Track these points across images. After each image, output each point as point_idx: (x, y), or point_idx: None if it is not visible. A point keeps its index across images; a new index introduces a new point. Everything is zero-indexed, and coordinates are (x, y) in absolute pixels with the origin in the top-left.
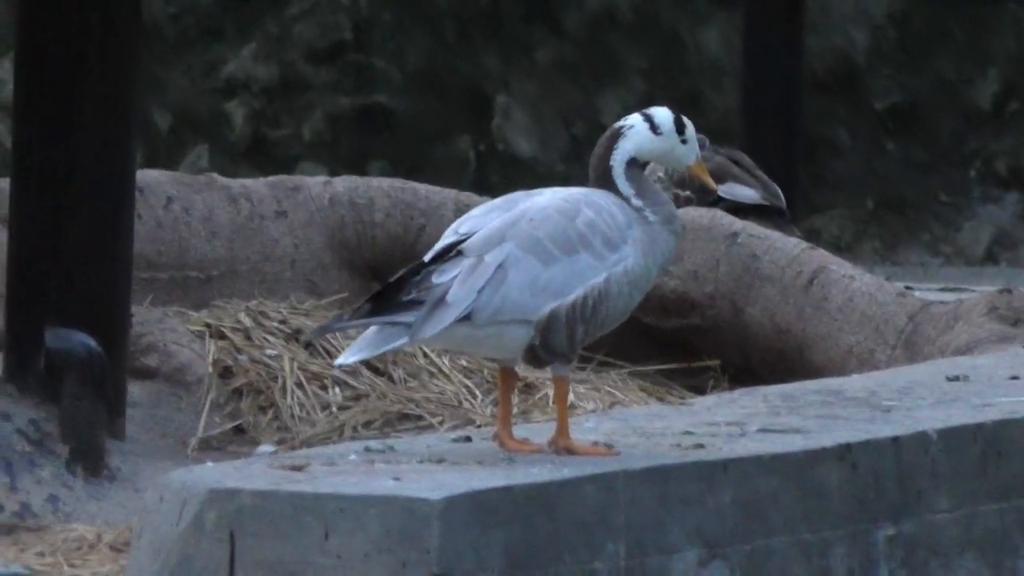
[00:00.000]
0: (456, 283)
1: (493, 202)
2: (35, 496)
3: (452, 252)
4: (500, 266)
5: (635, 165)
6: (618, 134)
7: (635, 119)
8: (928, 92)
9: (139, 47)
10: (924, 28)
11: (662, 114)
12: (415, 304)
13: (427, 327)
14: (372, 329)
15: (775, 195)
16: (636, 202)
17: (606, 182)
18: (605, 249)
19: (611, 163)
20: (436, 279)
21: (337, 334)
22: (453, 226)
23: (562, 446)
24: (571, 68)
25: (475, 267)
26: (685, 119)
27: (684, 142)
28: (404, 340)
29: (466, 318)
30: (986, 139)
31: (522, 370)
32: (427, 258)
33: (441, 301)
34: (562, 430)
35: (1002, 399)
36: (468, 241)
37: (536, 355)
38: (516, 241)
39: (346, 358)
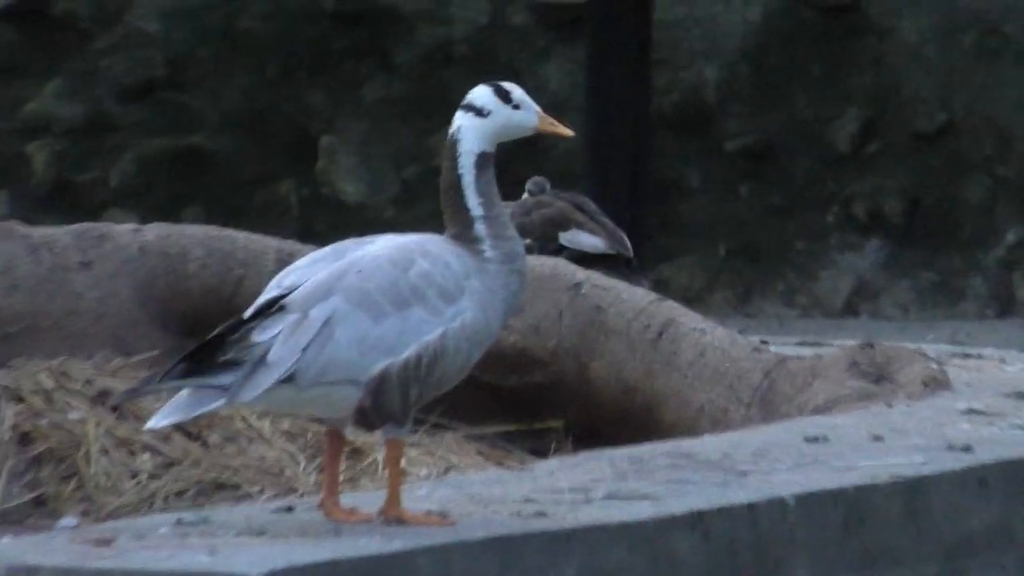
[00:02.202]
0: (278, 341)
1: (320, 252)
2: None
3: (274, 307)
4: (326, 322)
5: (486, 165)
6: (454, 142)
7: (458, 117)
8: (783, 132)
9: None
10: (779, 64)
11: (479, 94)
12: (233, 364)
13: (246, 390)
14: (186, 390)
15: (621, 242)
16: (480, 227)
17: (457, 197)
18: (441, 302)
19: (459, 172)
20: (257, 337)
21: (149, 395)
22: (276, 279)
23: (393, 516)
24: (402, 106)
25: (299, 323)
26: (506, 85)
27: (516, 107)
28: (221, 403)
29: (289, 379)
30: (844, 181)
31: (350, 433)
32: (247, 314)
33: (262, 361)
34: (393, 498)
35: (864, 462)
36: (292, 295)
37: (366, 418)
38: (344, 295)
39: (157, 422)
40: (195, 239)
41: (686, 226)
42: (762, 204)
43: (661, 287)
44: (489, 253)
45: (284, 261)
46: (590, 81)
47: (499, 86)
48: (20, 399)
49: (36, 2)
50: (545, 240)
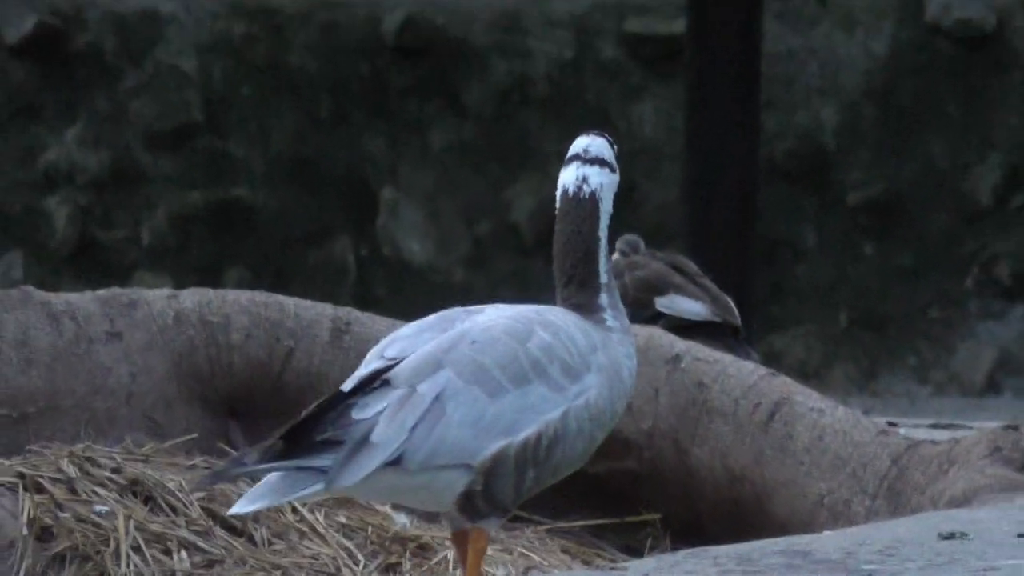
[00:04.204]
0: (383, 419)
1: (425, 320)
2: None
3: (377, 381)
4: (436, 398)
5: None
6: (595, 202)
7: (592, 173)
8: (914, 182)
9: None
10: (909, 103)
11: (605, 148)
12: (332, 444)
13: (347, 473)
14: (277, 473)
15: (726, 308)
16: (604, 296)
17: (589, 263)
18: (564, 378)
19: (599, 234)
20: (358, 414)
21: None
22: (376, 349)
23: None
24: (474, 153)
25: (406, 399)
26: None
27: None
28: (319, 487)
29: (395, 461)
30: (986, 239)
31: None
32: (346, 387)
33: (364, 441)
34: None
35: (1007, 561)
36: (397, 368)
37: (473, 504)
38: (456, 368)
39: (245, 506)
40: (238, 306)
41: (801, 291)
42: (890, 266)
43: (773, 361)
44: (611, 323)
45: (340, 331)
46: (689, 124)
47: (613, 142)
48: (39, 489)
49: (55, 35)
50: (639, 306)
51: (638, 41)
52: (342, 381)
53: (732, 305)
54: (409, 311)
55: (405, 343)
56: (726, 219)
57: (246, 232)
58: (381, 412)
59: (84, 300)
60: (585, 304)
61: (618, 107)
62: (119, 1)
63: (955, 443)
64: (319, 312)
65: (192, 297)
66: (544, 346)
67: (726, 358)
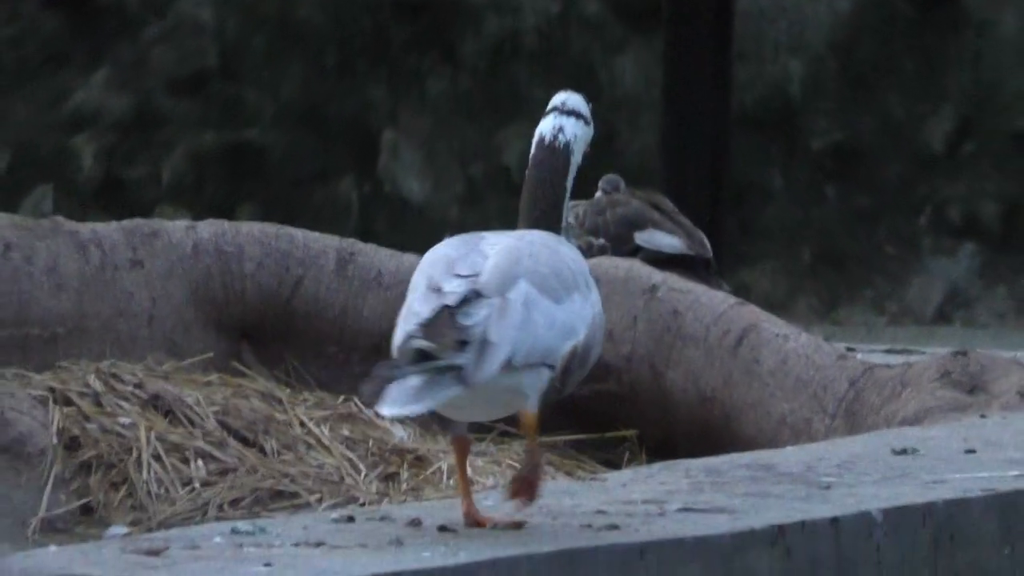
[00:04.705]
0: (492, 323)
1: (452, 243)
2: None
3: (469, 295)
4: (523, 305)
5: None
6: (568, 151)
7: (568, 124)
8: (873, 131)
9: None
10: (869, 59)
11: (581, 102)
12: (459, 344)
13: (481, 371)
14: (416, 379)
15: (701, 243)
16: (563, 235)
17: (556, 205)
18: (586, 288)
19: (567, 183)
20: (465, 320)
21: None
22: (437, 270)
23: (536, 467)
24: (468, 101)
25: (503, 307)
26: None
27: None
28: (458, 388)
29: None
30: (938, 183)
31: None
32: (450, 301)
33: (485, 341)
34: (532, 459)
35: (955, 475)
36: (482, 280)
37: (547, 396)
38: (528, 279)
39: (396, 410)
40: (251, 237)
41: (768, 230)
42: (850, 208)
43: (742, 293)
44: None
45: (345, 261)
46: (667, 76)
47: (586, 97)
48: (68, 402)
49: None
50: (619, 241)
51: None
52: (347, 306)
53: (705, 240)
54: (407, 244)
55: (467, 261)
56: (700, 163)
57: (257, 171)
58: (486, 318)
59: (109, 230)
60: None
61: (601, 60)
62: None
63: (908, 367)
64: (325, 244)
65: (208, 228)
66: (572, 260)
67: (699, 288)
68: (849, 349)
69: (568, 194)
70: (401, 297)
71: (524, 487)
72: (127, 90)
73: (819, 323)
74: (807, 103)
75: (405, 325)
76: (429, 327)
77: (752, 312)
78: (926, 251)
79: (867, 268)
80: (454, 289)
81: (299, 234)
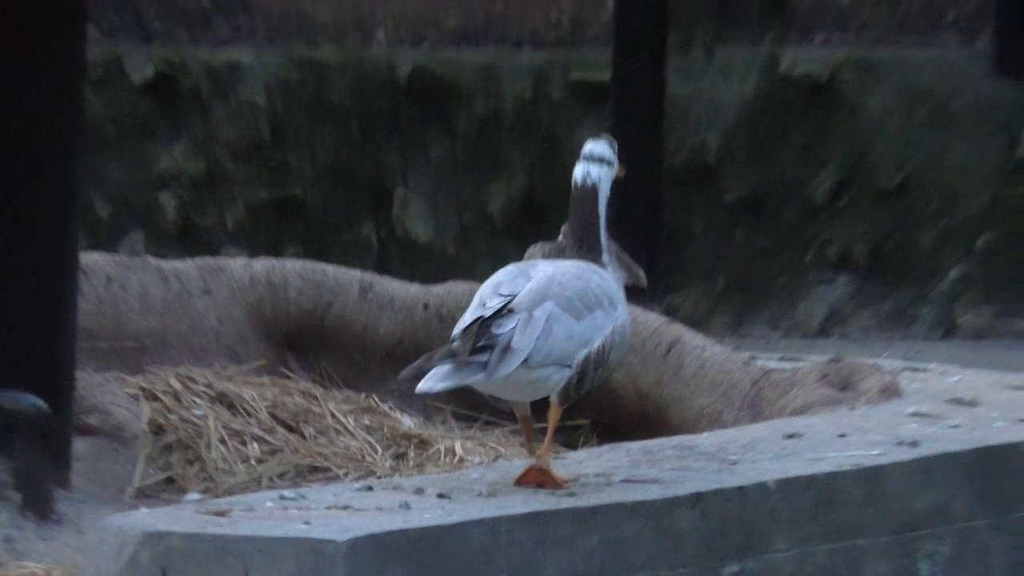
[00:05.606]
0: (516, 333)
1: (507, 270)
2: None
3: (504, 309)
4: (546, 319)
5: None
6: (595, 191)
7: (593, 169)
8: (771, 187)
9: (82, 147)
10: (768, 132)
11: (605, 148)
12: (486, 348)
13: (501, 368)
14: (449, 365)
15: (637, 276)
16: (606, 257)
17: (593, 234)
18: (609, 307)
19: (599, 213)
20: (496, 330)
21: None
22: (488, 289)
23: (545, 461)
24: (461, 164)
25: (528, 321)
26: (612, 141)
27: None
28: (481, 376)
29: (524, 362)
30: (821, 228)
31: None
32: (486, 314)
33: (507, 347)
34: (548, 445)
35: (832, 454)
36: (516, 300)
37: (569, 392)
38: (555, 300)
39: (430, 386)
40: (294, 271)
41: (691, 264)
42: (754, 246)
43: (671, 313)
44: (612, 273)
45: (366, 289)
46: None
47: (613, 141)
48: (154, 398)
49: (167, 79)
50: None
51: (579, 86)
52: (367, 324)
53: (642, 273)
54: (415, 276)
55: (511, 284)
56: (639, 212)
57: (299, 219)
58: (513, 328)
59: (186, 266)
60: (595, 261)
61: (564, 133)
62: (212, 55)
63: (796, 371)
64: (351, 276)
65: (261, 265)
66: (598, 285)
67: (637, 310)
68: (752, 357)
69: (603, 220)
70: (409, 318)
71: (534, 476)
72: (200, 156)
73: (729, 336)
74: (721, 165)
75: (456, 328)
76: (467, 331)
77: (678, 328)
78: (811, 280)
79: (766, 293)
80: (494, 305)
81: (330, 268)
